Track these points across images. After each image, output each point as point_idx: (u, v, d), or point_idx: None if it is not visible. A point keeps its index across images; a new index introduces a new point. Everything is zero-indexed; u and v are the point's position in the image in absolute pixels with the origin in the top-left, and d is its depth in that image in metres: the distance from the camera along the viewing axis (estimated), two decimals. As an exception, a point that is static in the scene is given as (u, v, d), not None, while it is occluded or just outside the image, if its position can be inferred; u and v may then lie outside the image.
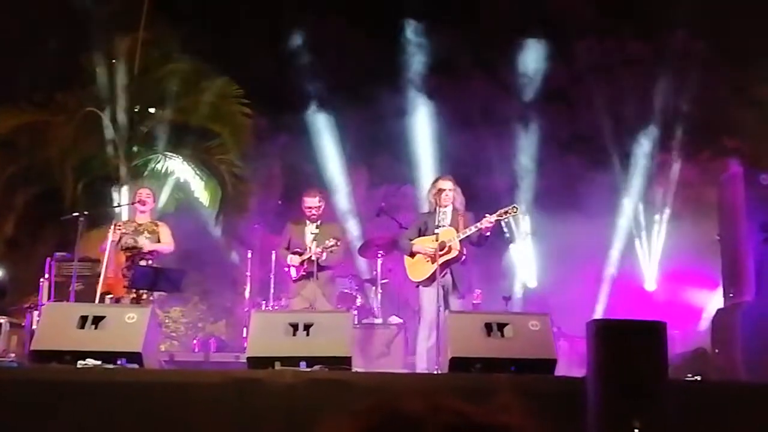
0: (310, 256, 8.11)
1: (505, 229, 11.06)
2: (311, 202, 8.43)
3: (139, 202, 8.52)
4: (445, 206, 7.40)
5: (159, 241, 8.36)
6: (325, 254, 8.10)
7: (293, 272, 8.26)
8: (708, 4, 12.22)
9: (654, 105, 13.38)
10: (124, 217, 10.24)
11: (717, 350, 7.33)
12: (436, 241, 7.09)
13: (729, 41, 11.86)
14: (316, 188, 8.95)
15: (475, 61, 14.85)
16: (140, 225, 8.40)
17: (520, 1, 14.21)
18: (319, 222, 8.43)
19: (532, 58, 14.18)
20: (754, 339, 6.87)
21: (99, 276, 8.32)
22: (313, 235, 8.26)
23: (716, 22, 12.10)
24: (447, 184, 7.49)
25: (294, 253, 8.27)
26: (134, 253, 8.20)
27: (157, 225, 8.49)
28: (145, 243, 8.27)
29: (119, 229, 8.23)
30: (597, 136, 13.69)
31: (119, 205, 11.92)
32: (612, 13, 13.62)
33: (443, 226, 7.25)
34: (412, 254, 7.42)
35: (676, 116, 13.17)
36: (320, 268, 8.15)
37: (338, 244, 8.16)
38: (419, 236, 7.51)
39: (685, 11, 12.59)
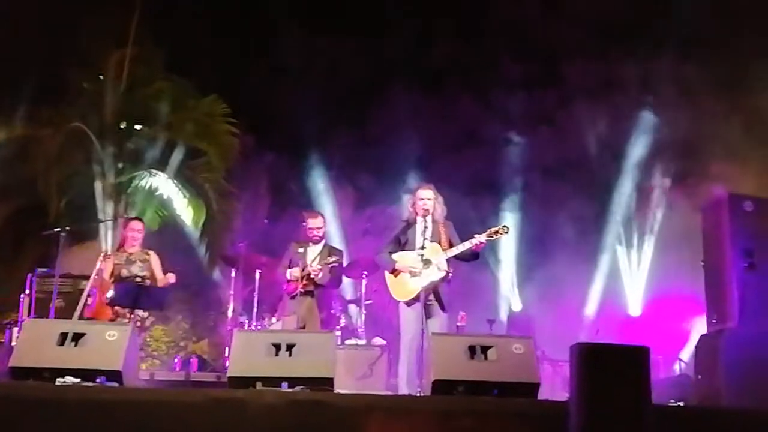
0: (309, 273, 8.13)
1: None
2: (315, 223, 8.55)
3: (131, 232, 8.50)
4: (425, 216, 7.23)
5: (151, 270, 8.38)
6: (321, 273, 8.16)
7: (291, 288, 8.28)
8: (695, 30, 12.36)
9: (640, 130, 13.45)
10: (105, 233, 10.17)
11: (700, 376, 7.33)
12: (421, 259, 6.96)
13: (717, 67, 11.95)
14: (317, 211, 9.05)
15: (463, 83, 14.91)
16: (131, 254, 8.42)
17: (509, 24, 14.28)
18: (323, 244, 8.47)
19: (520, 80, 14.25)
20: (737, 365, 6.88)
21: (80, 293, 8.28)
22: (316, 257, 8.30)
23: (703, 49, 12.21)
24: (427, 193, 7.30)
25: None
26: (128, 282, 8.19)
27: (148, 254, 8.48)
28: (137, 272, 8.31)
29: (109, 260, 8.24)
30: (583, 160, 13.72)
31: (101, 221, 11.83)
32: (600, 36, 13.70)
33: (426, 239, 7.10)
34: (394, 271, 7.22)
35: (662, 141, 13.23)
36: (317, 286, 8.22)
37: (339, 260, 8.31)
38: (399, 249, 7.32)
39: (672, 37, 12.74)
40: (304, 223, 8.62)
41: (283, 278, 8.42)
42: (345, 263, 11.03)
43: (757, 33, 11.07)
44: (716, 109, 11.94)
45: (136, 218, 9.07)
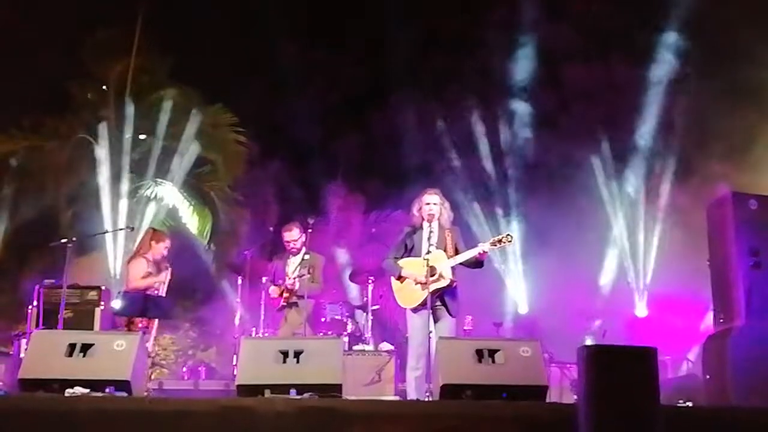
0: (287, 286, 8.41)
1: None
2: (289, 236, 8.76)
3: (165, 250, 8.65)
4: (430, 221, 7.19)
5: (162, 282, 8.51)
6: (298, 283, 8.35)
7: (275, 302, 8.50)
8: (693, 29, 12.39)
9: (643, 130, 13.42)
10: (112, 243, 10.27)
11: (708, 376, 7.31)
12: (426, 265, 6.88)
13: (718, 66, 11.95)
14: (294, 221, 9.05)
15: (464, 87, 14.93)
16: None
17: (509, 28, 14.29)
18: (303, 253, 8.54)
19: (521, 84, 14.26)
20: (745, 364, 6.85)
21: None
22: (295, 268, 8.44)
23: (703, 47, 12.23)
24: (432, 198, 7.23)
25: (276, 285, 8.61)
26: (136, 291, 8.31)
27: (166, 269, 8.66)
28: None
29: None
30: (586, 162, 13.70)
31: (107, 232, 11.87)
32: (600, 39, 13.70)
33: (432, 244, 7.06)
34: (400, 277, 7.16)
35: (665, 141, 13.21)
36: (300, 297, 8.42)
37: (310, 272, 8.40)
38: (405, 254, 7.25)
39: (672, 36, 12.77)
40: (281, 236, 8.82)
41: (267, 293, 8.77)
42: (350, 269, 11.08)
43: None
44: (719, 107, 11.93)
45: (166, 236, 9.12)
